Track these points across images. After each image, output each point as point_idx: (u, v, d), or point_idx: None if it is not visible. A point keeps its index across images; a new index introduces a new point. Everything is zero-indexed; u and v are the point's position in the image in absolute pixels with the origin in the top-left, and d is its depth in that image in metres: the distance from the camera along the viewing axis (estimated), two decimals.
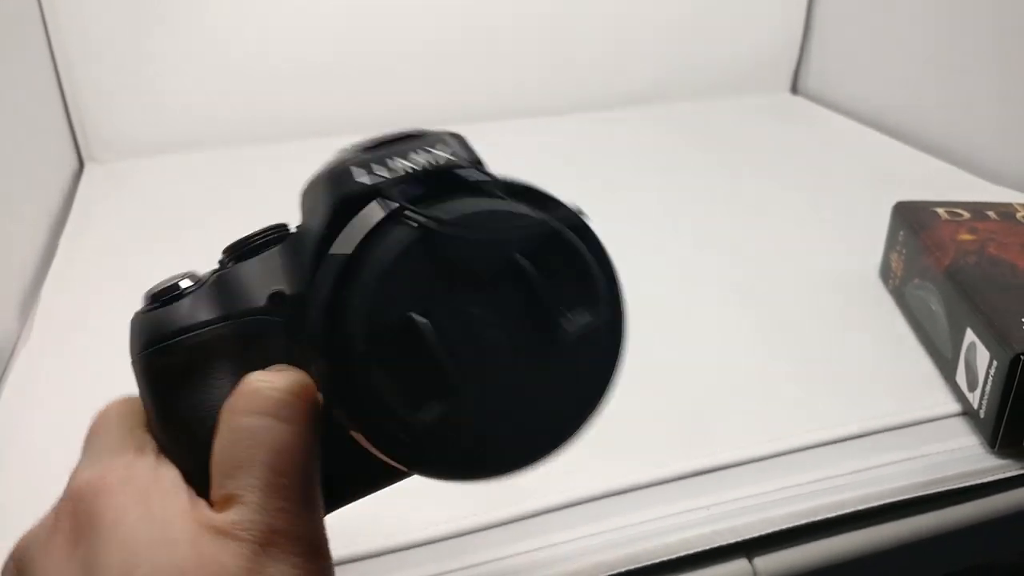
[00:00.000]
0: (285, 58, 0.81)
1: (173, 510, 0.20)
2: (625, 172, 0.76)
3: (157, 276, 0.24)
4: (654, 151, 0.80)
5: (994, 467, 0.40)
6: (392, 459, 0.20)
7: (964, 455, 0.40)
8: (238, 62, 0.80)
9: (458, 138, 0.24)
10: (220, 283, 0.23)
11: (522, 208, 0.21)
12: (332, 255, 0.20)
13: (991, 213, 0.53)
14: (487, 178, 0.23)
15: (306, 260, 0.22)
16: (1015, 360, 0.38)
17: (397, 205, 0.20)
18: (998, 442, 0.40)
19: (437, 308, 0.20)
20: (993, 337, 0.40)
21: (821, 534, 0.37)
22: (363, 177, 0.21)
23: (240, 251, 0.24)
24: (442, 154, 0.22)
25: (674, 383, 0.46)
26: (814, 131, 0.86)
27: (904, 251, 0.53)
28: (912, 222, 0.53)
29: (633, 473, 0.38)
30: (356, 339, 0.20)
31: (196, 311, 0.23)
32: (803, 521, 0.37)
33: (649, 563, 0.34)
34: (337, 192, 0.21)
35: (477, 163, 0.23)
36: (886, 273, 0.56)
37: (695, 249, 0.62)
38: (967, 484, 0.39)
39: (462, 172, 0.22)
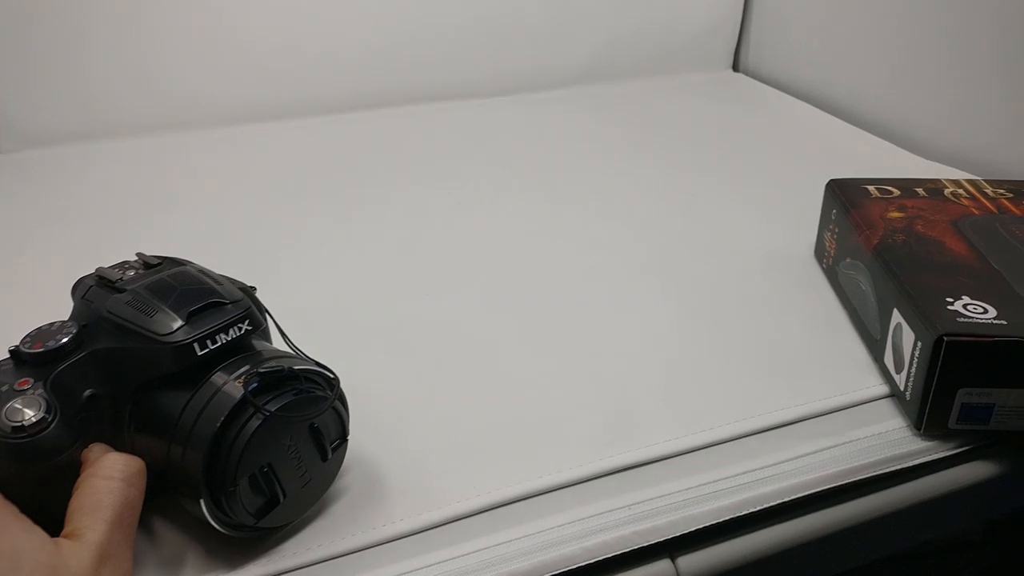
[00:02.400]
0: (192, 46, 0.79)
1: (39, 536, 0.29)
2: (559, 155, 0.75)
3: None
4: (590, 133, 0.80)
5: (920, 450, 0.40)
6: (223, 529, 0.33)
7: (891, 439, 0.41)
8: (143, 49, 0.78)
9: (250, 295, 0.36)
10: (54, 387, 0.32)
11: (316, 389, 0.34)
12: (203, 421, 0.31)
13: (920, 190, 0.54)
14: (291, 367, 0.33)
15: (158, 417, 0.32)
16: (938, 342, 0.38)
17: (249, 398, 0.32)
18: (924, 424, 0.40)
19: (272, 458, 0.32)
20: (918, 318, 0.41)
21: (746, 529, 0.37)
22: (202, 351, 0.32)
23: (46, 354, 0.32)
24: (247, 327, 0.34)
25: (596, 376, 0.45)
26: (754, 109, 0.86)
27: (836, 230, 0.53)
28: (843, 200, 0.53)
29: (550, 474, 0.38)
30: (225, 478, 0.31)
31: (60, 438, 0.31)
32: (727, 517, 0.36)
33: (567, 569, 0.34)
34: (175, 366, 0.32)
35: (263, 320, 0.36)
36: (820, 252, 0.57)
37: (626, 234, 0.61)
38: (893, 468, 0.39)
39: (277, 363, 0.33)
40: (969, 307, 0.40)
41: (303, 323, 0.42)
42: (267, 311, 0.37)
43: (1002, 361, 0.38)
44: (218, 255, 0.54)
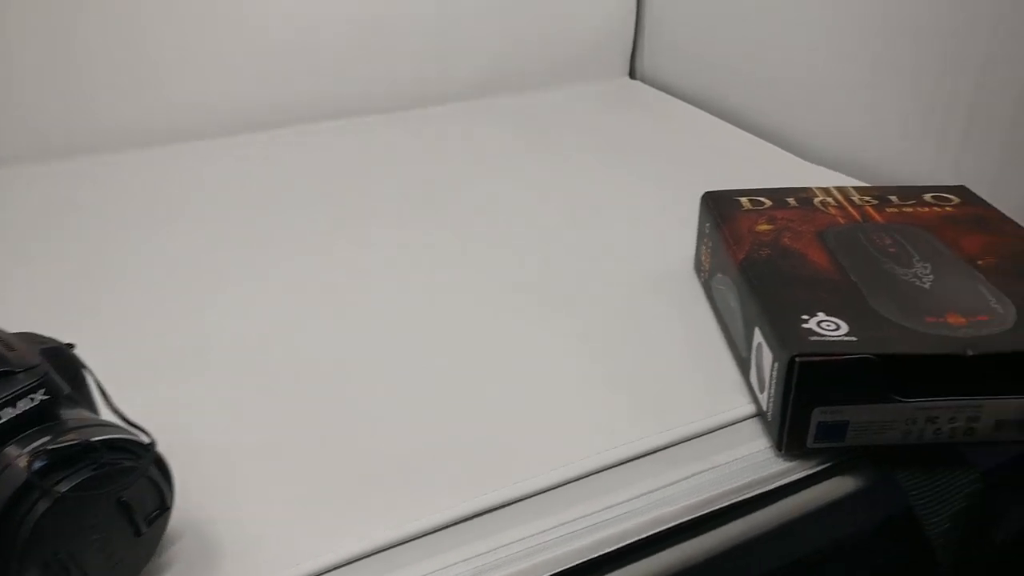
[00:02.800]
0: (95, 67, 0.76)
1: None
2: (449, 173, 0.74)
3: None
4: (481, 148, 0.79)
5: (780, 472, 0.40)
6: None
7: (754, 461, 0.40)
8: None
9: (63, 355, 0.34)
10: None
11: (126, 459, 0.31)
12: None
13: (792, 200, 0.54)
14: (89, 439, 0.30)
15: None
16: (791, 362, 0.38)
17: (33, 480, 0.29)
18: (784, 445, 0.40)
19: (69, 542, 0.30)
20: (774, 337, 0.40)
21: (606, 568, 0.36)
22: None
23: None
24: (43, 397, 0.31)
25: (458, 409, 0.44)
26: (650, 117, 0.86)
27: (710, 244, 0.53)
28: (716, 214, 0.53)
29: (401, 525, 0.36)
30: (9, 570, 0.29)
31: None
32: (585, 559, 0.36)
33: None
34: None
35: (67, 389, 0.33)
36: (699, 267, 0.57)
37: (508, 253, 0.60)
38: (754, 493, 0.39)
39: (77, 435, 0.30)
40: (823, 324, 0.40)
41: (154, 373, 0.40)
42: (87, 370, 0.35)
43: (851, 379, 0.38)
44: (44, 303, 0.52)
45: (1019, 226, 0.50)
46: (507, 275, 0.57)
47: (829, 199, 0.54)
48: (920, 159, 0.68)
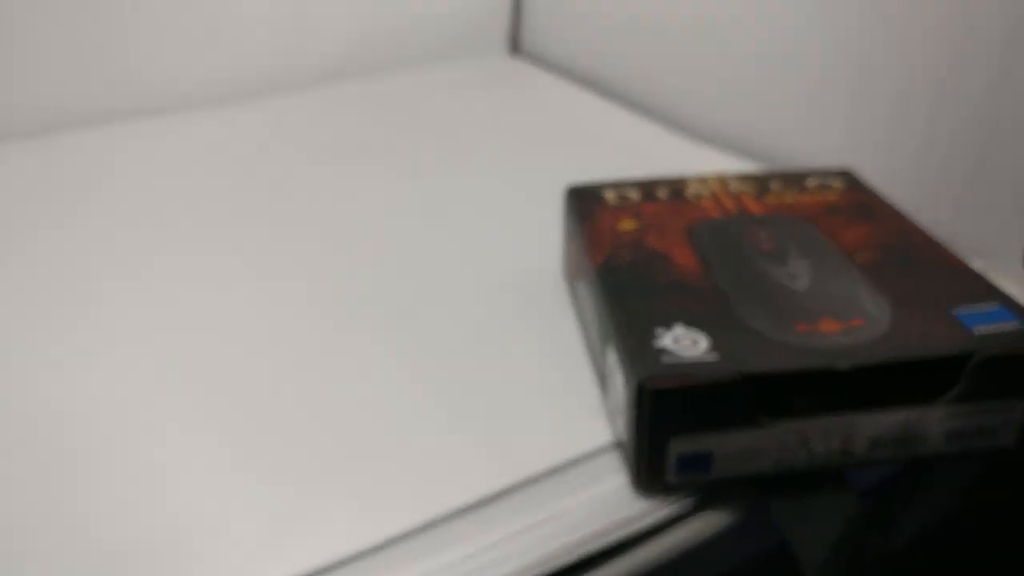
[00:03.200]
0: None
1: None
2: (287, 171, 0.66)
3: None
4: (335, 142, 0.71)
5: (637, 514, 0.34)
6: None
7: (608, 503, 0.35)
8: None
9: None
10: None
11: None
12: None
13: (662, 192, 0.49)
14: None
15: None
16: (639, 389, 0.33)
17: None
18: (642, 481, 0.35)
19: None
20: (625, 356, 0.35)
21: None
22: None
23: None
24: None
25: (262, 459, 0.38)
26: (532, 100, 0.81)
27: (575, 245, 0.48)
28: (578, 210, 0.48)
29: None
30: None
31: None
32: None
33: None
34: None
35: None
36: (567, 272, 0.51)
37: (351, 260, 0.53)
38: (608, 540, 0.34)
39: None
40: (681, 339, 0.35)
41: None
42: None
43: (712, 403, 0.33)
44: None
45: (903, 215, 0.46)
46: (343, 288, 0.51)
47: (704, 189, 0.49)
48: (812, 139, 0.65)
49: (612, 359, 0.37)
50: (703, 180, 0.50)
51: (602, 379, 0.41)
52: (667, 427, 0.34)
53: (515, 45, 0.91)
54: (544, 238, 0.55)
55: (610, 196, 0.48)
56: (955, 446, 0.36)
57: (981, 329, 0.35)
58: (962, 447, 0.36)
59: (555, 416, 0.40)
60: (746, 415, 0.34)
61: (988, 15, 0.51)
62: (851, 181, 0.50)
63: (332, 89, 0.79)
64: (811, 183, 0.49)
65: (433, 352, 0.45)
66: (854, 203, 0.47)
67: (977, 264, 0.51)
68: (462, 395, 0.42)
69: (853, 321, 0.36)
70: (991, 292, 0.38)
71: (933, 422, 0.35)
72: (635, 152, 0.69)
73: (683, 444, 0.34)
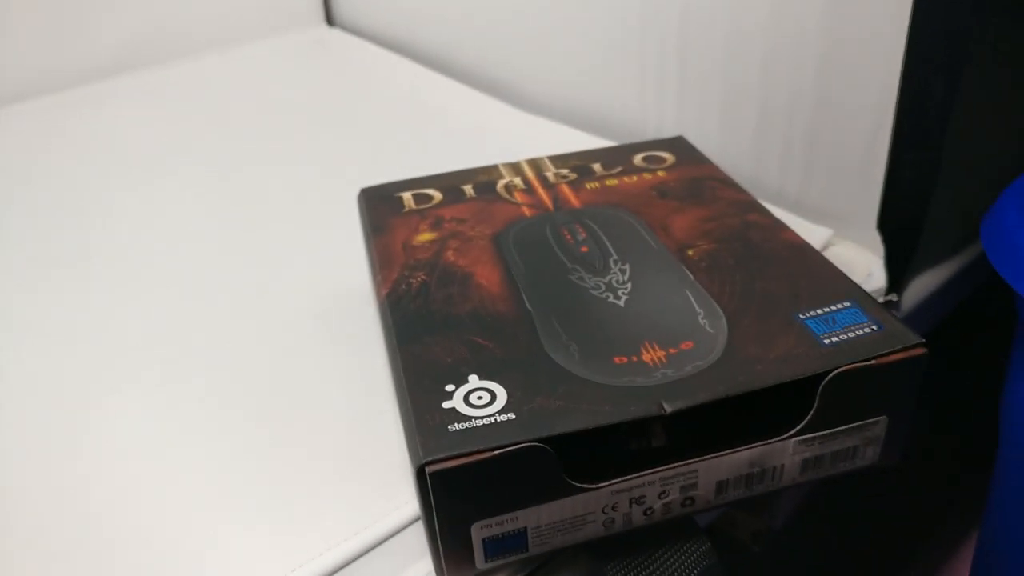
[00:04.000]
0: None
1: None
2: (62, 179, 0.56)
3: None
4: (117, 142, 0.61)
5: None
6: None
7: None
8: None
9: None
10: None
11: None
12: None
13: (469, 188, 0.42)
14: None
15: None
16: (420, 472, 0.26)
17: None
18: (445, 572, 0.29)
19: None
20: (406, 425, 0.28)
21: None
22: None
23: None
24: None
25: None
26: (348, 75, 0.72)
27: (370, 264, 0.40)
28: (371, 220, 0.40)
29: None
30: None
31: None
32: None
33: None
34: None
35: None
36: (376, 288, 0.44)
37: (129, 294, 0.45)
38: None
39: None
40: (474, 395, 0.28)
41: None
42: None
43: (513, 475, 0.27)
44: None
45: (738, 188, 0.40)
46: (117, 327, 0.42)
47: (517, 180, 0.42)
48: (639, 105, 0.59)
49: (402, 423, 0.30)
50: (516, 168, 0.43)
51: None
52: (462, 510, 0.27)
53: (330, 14, 0.81)
54: (357, 245, 0.48)
55: (407, 199, 0.41)
56: (812, 474, 0.31)
57: (831, 338, 0.30)
58: (820, 474, 0.31)
59: (352, 481, 0.33)
60: (557, 483, 0.27)
61: None
62: (682, 152, 0.44)
63: (118, 81, 0.68)
64: (639, 159, 0.43)
65: (220, 410, 0.37)
66: (685, 181, 0.41)
67: (825, 233, 0.46)
68: (245, 461, 0.34)
69: (681, 344, 0.30)
70: (840, 288, 0.32)
71: (786, 454, 0.30)
72: (461, 126, 0.61)
73: (488, 527, 0.28)
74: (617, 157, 0.44)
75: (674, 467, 0.28)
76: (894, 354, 0.29)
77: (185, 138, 0.61)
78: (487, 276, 0.35)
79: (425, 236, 0.38)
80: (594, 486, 0.28)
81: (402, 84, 0.69)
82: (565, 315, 0.32)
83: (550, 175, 0.42)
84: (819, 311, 0.31)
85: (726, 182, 0.41)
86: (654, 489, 0.29)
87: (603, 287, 0.33)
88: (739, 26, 0.50)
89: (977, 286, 0.41)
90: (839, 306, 0.31)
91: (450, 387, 0.29)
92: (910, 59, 0.42)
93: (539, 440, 0.26)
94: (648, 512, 0.29)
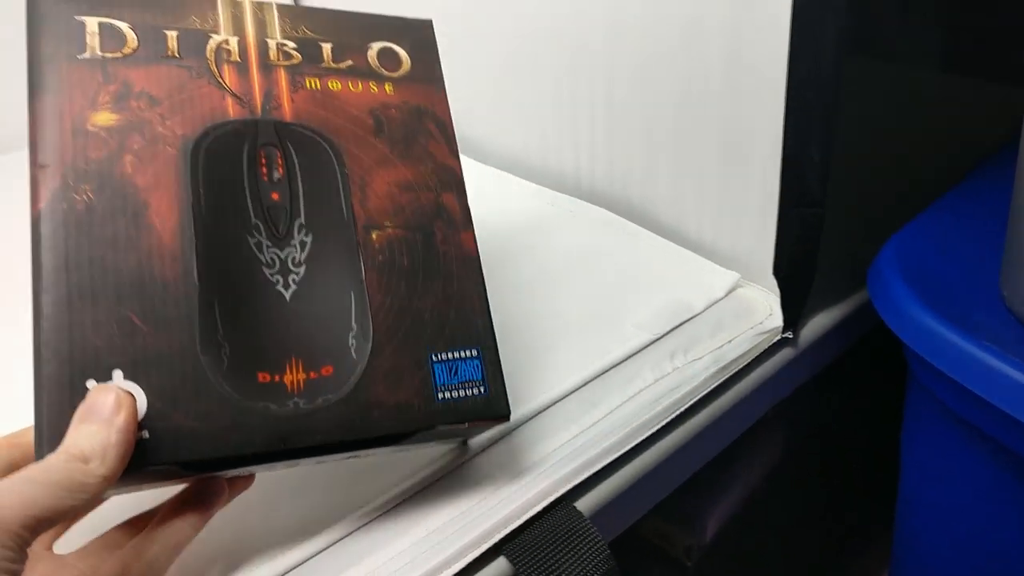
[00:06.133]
0: None
1: None
2: None
3: None
4: None
5: None
6: None
7: None
8: None
9: None
10: None
11: None
12: None
13: (174, 37, 0.36)
14: None
15: None
16: None
17: None
18: None
19: None
20: (36, 421, 0.30)
21: None
22: None
23: None
24: None
25: None
26: None
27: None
28: (38, 56, 0.33)
29: None
30: None
31: None
32: None
33: None
34: None
35: None
36: None
37: None
38: None
39: None
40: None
41: None
42: None
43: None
44: None
45: (449, 141, 0.40)
46: None
47: (233, 42, 0.37)
48: (572, 156, 0.65)
49: None
50: (237, 17, 0.38)
51: None
52: None
53: None
54: None
55: (91, 30, 0.35)
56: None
57: (445, 393, 0.36)
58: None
59: None
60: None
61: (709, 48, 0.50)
62: (420, 53, 0.41)
63: None
64: (374, 52, 0.40)
65: None
66: (406, 112, 0.39)
67: (734, 276, 0.52)
68: None
69: (322, 369, 0.34)
70: (476, 329, 0.37)
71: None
72: None
73: None
74: (354, 38, 0.40)
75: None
76: (483, 421, 0.37)
77: None
78: (163, 212, 0.33)
79: (104, 118, 0.34)
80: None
81: None
82: (229, 301, 0.33)
83: (272, 45, 0.38)
84: (449, 355, 0.36)
85: (442, 126, 0.40)
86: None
87: (277, 264, 0.35)
88: (655, 95, 0.55)
89: (877, 321, 0.46)
90: (466, 353, 0.37)
91: (91, 383, 0.30)
92: (789, 118, 0.46)
93: (166, 464, 0.31)
94: None
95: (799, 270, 0.50)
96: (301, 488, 0.39)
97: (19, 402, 0.34)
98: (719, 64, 0.49)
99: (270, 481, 0.38)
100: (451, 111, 0.41)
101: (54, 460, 0.28)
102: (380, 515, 0.38)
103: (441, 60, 0.42)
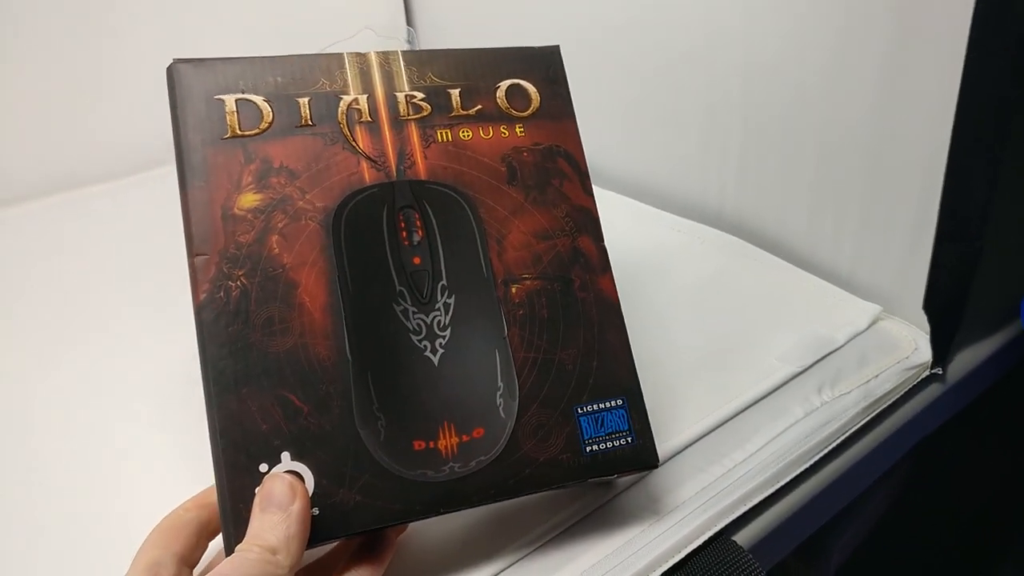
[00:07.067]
0: None
1: None
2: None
3: None
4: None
5: None
6: None
7: None
8: None
9: None
10: None
11: None
12: None
13: (306, 104, 0.36)
14: None
15: None
16: None
17: None
18: None
19: None
20: (222, 507, 0.32)
21: None
22: None
23: None
24: None
25: None
26: None
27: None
28: (188, 140, 0.35)
29: None
30: None
31: None
32: None
33: None
34: None
35: None
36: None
37: None
38: None
39: None
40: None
41: None
42: None
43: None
44: None
45: (583, 178, 0.39)
46: None
47: (363, 101, 0.37)
48: (700, 182, 0.65)
49: None
50: (365, 73, 0.37)
51: None
52: None
53: None
54: None
55: (229, 108, 0.35)
56: None
57: (593, 446, 0.36)
58: None
59: None
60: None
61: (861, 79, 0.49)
62: (548, 86, 0.40)
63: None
64: (503, 92, 0.39)
65: None
66: (538, 154, 0.39)
67: (874, 308, 0.51)
68: None
69: (474, 432, 0.35)
70: (621, 378, 0.37)
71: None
72: None
73: None
74: (481, 79, 0.39)
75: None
76: (633, 471, 0.37)
77: None
78: (312, 289, 0.35)
79: (248, 199, 0.35)
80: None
81: None
82: (381, 371, 0.35)
83: (401, 99, 0.38)
84: (594, 407, 0.37)
85: (575, 164, 0.39)
86: None
87: (424, 330, 0.36)
88: (795, 120, 0.53)
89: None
90: (612, 403, 0.37)
91: (263, 467, 0.33)
92: (954, 151, 0.43)
93: (336, 539, 0.33)
94: None
95: (950, 305, 0.48)
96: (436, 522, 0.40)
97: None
98: (871, 95, 0.47)
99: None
100: (582, 141, 0.40)
101: (249, 556, 0.30)
102: (529, 553, 0.39)
103: (570, 85, 0.41)
